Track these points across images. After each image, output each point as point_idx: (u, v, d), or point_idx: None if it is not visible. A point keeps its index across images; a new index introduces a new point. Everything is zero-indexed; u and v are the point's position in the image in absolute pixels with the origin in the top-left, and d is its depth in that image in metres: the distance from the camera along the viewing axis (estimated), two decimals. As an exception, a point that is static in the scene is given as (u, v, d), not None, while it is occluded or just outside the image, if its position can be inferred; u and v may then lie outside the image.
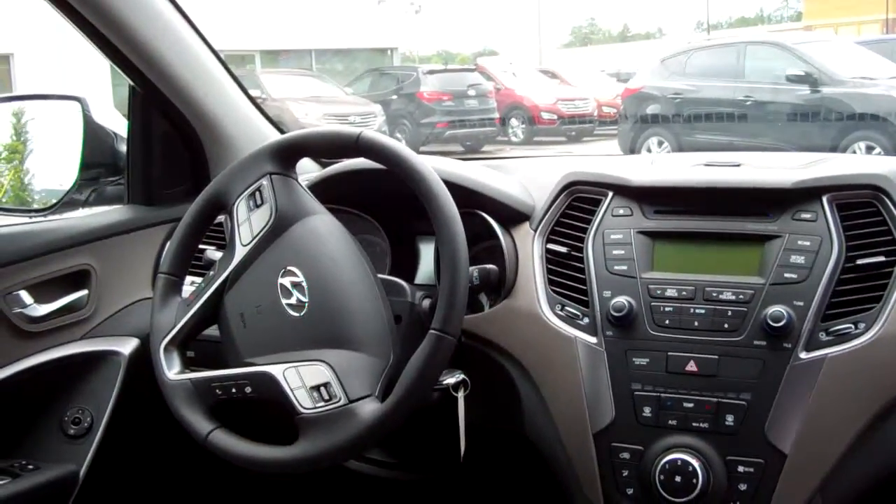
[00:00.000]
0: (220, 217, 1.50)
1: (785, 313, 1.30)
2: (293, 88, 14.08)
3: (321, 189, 1.63)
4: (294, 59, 23.31)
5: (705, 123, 9.32)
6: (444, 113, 13.87)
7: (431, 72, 15.31)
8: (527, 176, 1.69)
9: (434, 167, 1.33)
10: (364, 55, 24.09)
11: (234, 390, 1.33)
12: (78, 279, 1.74)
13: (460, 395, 1.41)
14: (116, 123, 1.96)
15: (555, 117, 14.53)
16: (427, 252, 1.75)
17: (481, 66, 17.09)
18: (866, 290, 1.33)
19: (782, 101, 8.97)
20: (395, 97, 14.58)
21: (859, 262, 1.34)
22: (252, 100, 1.99)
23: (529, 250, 1.53)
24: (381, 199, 1.68)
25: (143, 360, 1.63)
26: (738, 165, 1.58)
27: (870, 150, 7.60)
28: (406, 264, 1.73)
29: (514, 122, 14.76)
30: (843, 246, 1.35)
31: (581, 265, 1.47)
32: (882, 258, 1.34)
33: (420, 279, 1.73)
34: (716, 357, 1.34)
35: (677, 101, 9.74)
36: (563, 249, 1.51)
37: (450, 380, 1.40)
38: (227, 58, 1.96)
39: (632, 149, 9.48)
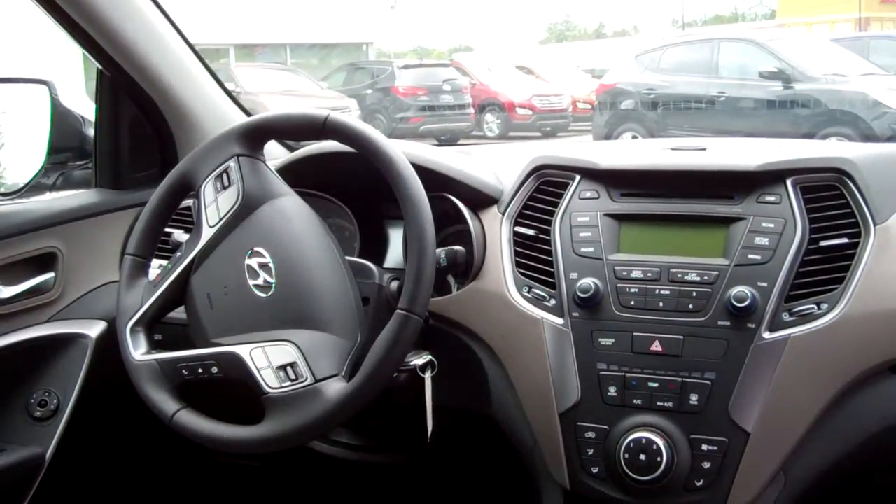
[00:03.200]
0: (188, 201, 1.50)
1: (749, 294, 1.31)
2: (268, 82, 13.99)
3: (289, 172, 1.63)
4: (269, 53, 23.18)
5: (678, 118, 9.38)
6: (419, 108, 13.88)
7: (407, 67, 15.33)
8: (495, 160, 1.70)
9: (403, 151, 1.33)
10: (340, 50, 23.99)
11: (200, 370, 1.33)
12: (45, 262, 1.73)
13: (427, 376, 1.42)
14: (84, 108, 1.95)
15: (530, 112, 14.57)
16: (396, 236, 1.75)
17: (456, 62, 17.09)
18: (829, 271, 1.34)
19: (755, 96, 9.04)
20: (370, 92, 14.57)
21: (822, 243, 1.35)
22: (221, 84, 1.98)
23: (497, 233, 1.54)
24: (349, 183, 1.68)
25: (110, 343, 1.62)
26: (704, 150, 1.59)
27: (842, 145, 7.67)
28: (375, 248, 1.73)
29: (489, 117, 14.78)
30: (806, 228, 1.36)
31: (548, 247, 1.48)
32: (845, 240, 1.35)
33: (389, 263, 1.73)
34: (680, 337, 1.34)
35: (651, 97, 9.80)
36: (531, 232, 1.51)
37: (417, 361, 1.41)
38: (201, 52, 1.94)
39: (606, 143, 9.50)
